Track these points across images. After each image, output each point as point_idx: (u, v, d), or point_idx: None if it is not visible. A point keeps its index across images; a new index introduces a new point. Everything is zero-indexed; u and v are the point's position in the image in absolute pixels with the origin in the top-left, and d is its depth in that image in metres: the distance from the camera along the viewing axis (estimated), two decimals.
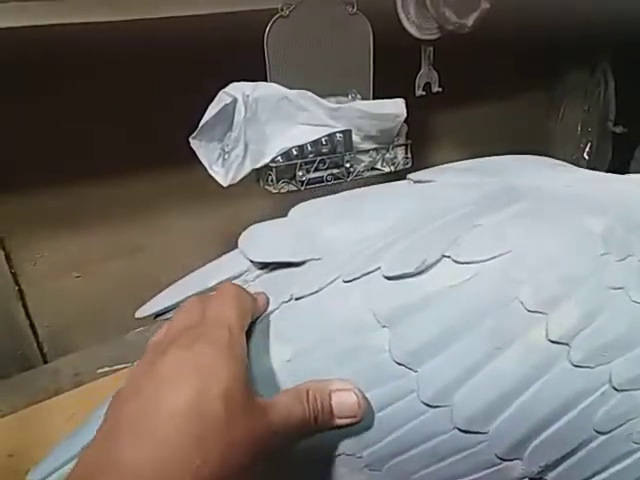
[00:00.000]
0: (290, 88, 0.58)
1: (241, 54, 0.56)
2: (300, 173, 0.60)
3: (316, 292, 0.34)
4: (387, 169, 0.65)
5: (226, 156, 0.58)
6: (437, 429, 0.31)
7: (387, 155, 0.65)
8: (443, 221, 0.35)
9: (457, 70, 0.71)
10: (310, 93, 0.59)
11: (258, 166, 0.58)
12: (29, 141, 0.62)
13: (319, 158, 0.60)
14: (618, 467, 0.30)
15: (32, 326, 0.69)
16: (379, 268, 0.33)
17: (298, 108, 0.59)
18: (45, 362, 0.70)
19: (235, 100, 0.56)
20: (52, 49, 0.53)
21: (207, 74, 0.58)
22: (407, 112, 0.63)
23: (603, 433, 0.29)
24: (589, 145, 1.11)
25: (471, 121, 0.97)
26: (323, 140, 0.60)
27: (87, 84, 0.62)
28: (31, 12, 0.46)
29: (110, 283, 0.72)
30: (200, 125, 0.56)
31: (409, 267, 0.32)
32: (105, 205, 0.68)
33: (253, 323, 0.34)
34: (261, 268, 0.39)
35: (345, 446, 0.32)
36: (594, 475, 0.30)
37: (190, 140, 0.57)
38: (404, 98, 0.63)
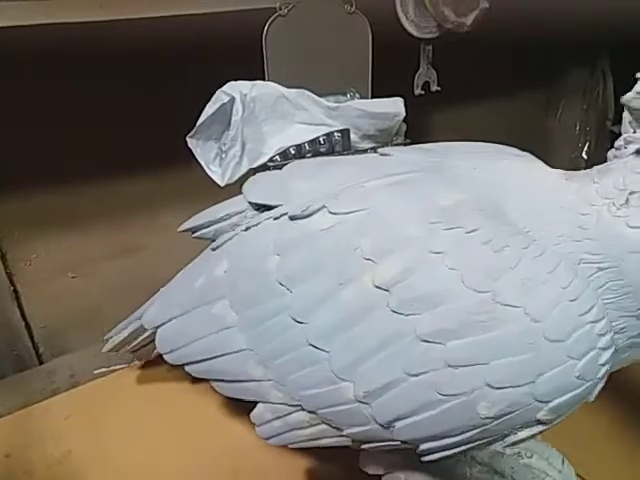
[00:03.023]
0: (288, 87, 0.58)
1: (239, 53, 0.55)
2: None
3: (256, 225, 0.44)
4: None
5: (223, 155, 0.57)
6: (299, 341, 0.38)
7: None
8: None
9: (456, 69, 0.70)
10: (308, 92, 0.59)
11: (255, 165, 0.58)
12: (25, 141, 0.61)
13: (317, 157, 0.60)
14: (426, 414, 0.35)
15: (27, 327, 0.68)
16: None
17: (296, 107, 0.58)
18: (41, 363, 0.70)
19: (233, 99, 0.56)
20: (51, 49, 0.53)
21: (205, 73, 0.58)
22: (406, 111, 0.62)
23: (411, 375, 0.34)
24: (588, 144, 1.11)
25: (470, 120, 0.97)
26: (321, 139, 0.60)
27: (85, 84, 0.61)
28: (28, 11, 0.46)
29: (106, 283, 0.72)
30: (197, 124, 0.56)
31: (300, 211, 0.40)
32: (101, 205, 0.68)
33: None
34: (256, 209, 0.47)
35: (248, 344, 0.42)
36: (408, 416, 0.35)
37: (187, 139, 0.57)
38: (403, 97, 0.63)
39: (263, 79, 0.58)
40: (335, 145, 0.61)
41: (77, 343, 0.70)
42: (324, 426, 0.40)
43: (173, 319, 0.47)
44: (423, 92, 0.67)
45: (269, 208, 0.45)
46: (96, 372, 0.63)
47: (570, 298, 0.33)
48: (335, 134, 0.60)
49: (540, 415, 0.34)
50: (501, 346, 0.33)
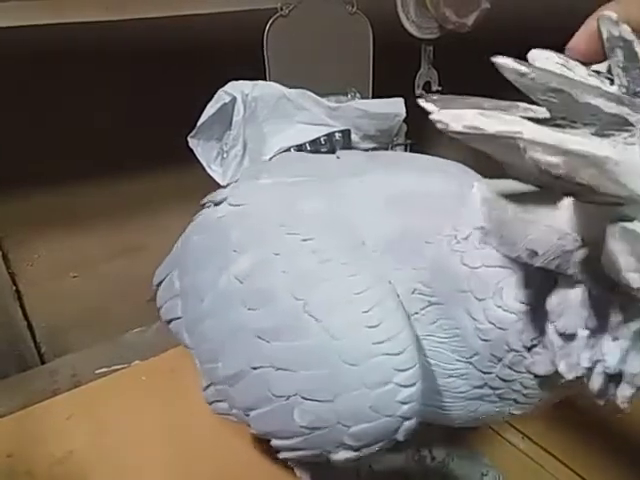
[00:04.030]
0: (289, 87, 0.58)
1: (240, 53, 0.56)
2: None
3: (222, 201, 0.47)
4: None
5: (224, 155, 0.57)
6: (195, 318, 0.43)
7: None
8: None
9: (457, 70, 0.70)
10: (309, 92, 0.59)
11: None
12: (26, 141, 0.61)
13: None
14: (264, 410, 0.36)
15: (30, 326, 0.69)
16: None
17: (297, 107, 0.58)
18: (43, 362, 0.70)
19: (234, 99, 0.56)
20: (51, 49, 0.53)
21: (206, 73, 0.58)
22: (406, 111, 0.62)
23: (252, 368, 0.36)
24: None
25: None
26: (322, 139, 0.60)
27: (86, 84, 0.61)
28: (30, 12, 0.46)
29: (108, 283, 0.72)
30: (198, 124, 0.56)
31: (215, 198, 0.46)
32: (102, 205, 0.68)
33: None
34: None
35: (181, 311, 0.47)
36: (254, 408, 0.37)
37: (188, 139, 0.57)
38: (403, 97, 0.63)
39: (264, 79, 0.58)
40: (336, 145, 0.61)
41: (79, 343, 0.70)
42: (224, 404, 0.42)
43: (161, 281, 0.51)
44: (424, 92, 0.67)
45: None
46: (98, 372, 0.63)
47: (369, 324, 0.31)
48: (336, 134, 0.60)
49: (345, 439, 0.33)
50: (306, 357, 0.33)
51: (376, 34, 0.62)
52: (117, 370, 0.63)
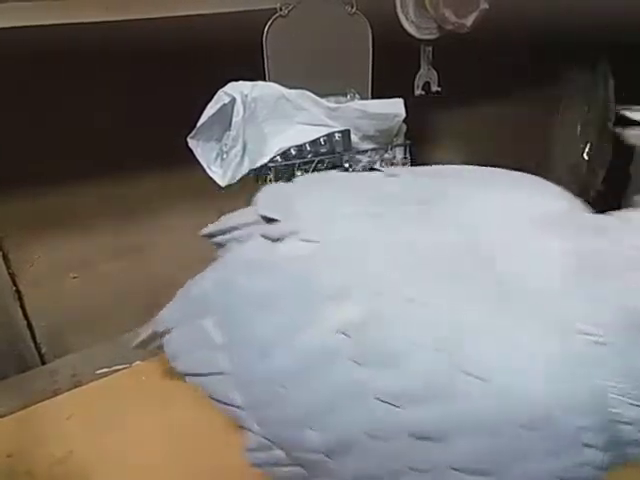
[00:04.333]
0: (289, 88, 0.58)
1: (240, 54, 0.56)
2: (299, 173, 0.59)
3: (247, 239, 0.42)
4: (386, 169, 0.65)
5: (224, 156, 0.57)
6: (264, 376, 0.36)
7: (386, 155, 0.65)
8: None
9: (456, 70, 0.70)
10: (309, 93, 0.59)
11: (256, 166, 0.58)
12: (27, 141, 0.61)
13: (318, 158, 0.60)
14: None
15: (30, 327, 0.69)
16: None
17: (297, 108, 0.58)
18: (43, 363, 0.70)
19: (234, 99, 0.56)
20: (51, 49, 0.53)
21: (206, 73, 0.58)
22: (406, 112, 0.62)
23: (371, 437, 0.31)
24: (589, 145, 1.11)
25: (470, 121, 0.97)
26: (322, 140, 0.60)
27: (86, 84, 0.61)
28: (29, 12, 0.46)
29: (108, 283, 0.72)
30: (198, 125, 0.56)
31: (272, 233, 0.38)
32: (102, 206, 0.68)
33: None
34: (266, 221, 0.43)
35: (230, 366, 0.39)
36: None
37: (188, 140, 0.57)
38: (403, 98, 0.63)
39: (264, 80, 0.58)
40: (335, 146, 0.61)
41: (79, 343, 0.70)
42: (299, 469, 0.36)
43: (173, 328, 0.45)
44: (423, 93, 0.67)
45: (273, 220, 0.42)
46: (98, 372, 0.63)
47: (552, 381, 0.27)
48: (336, 135, 0.60)
49: None
50: (463, 421, 0.28)
51: (375, 35, 0.62)
52: (118, 370, 0.63)
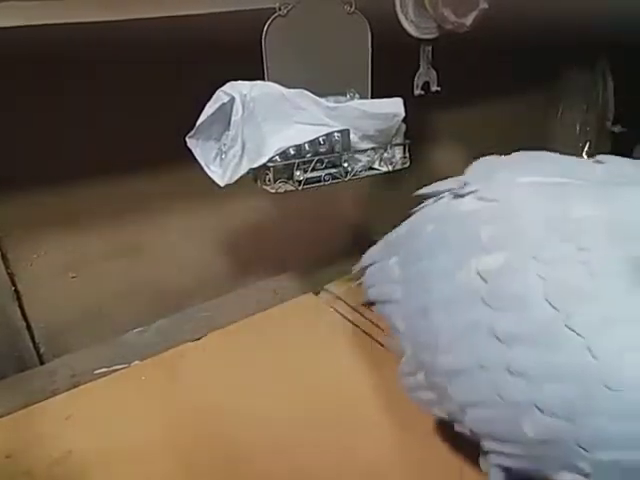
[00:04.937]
0: (288, 87, 0.58)
1: (239, 53, 0.55)
2: (298, 173, 0.59)
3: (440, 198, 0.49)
4: (385, 169, 0.65)
5: (223, 155, 0.57)
6: (420, 305, 0.44)
7: (385, 155, 0.65)
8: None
9: (456, 70, 0.70)
10: (308, 92, 0.59)
11: (255, 165, 0.58)
12: (26, 141, 0.61)
13: (317, 158, 0.60)
14: (485, 411, 0.36)
15: (28, 327, 0.68)
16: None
17: (296, 107, 0.58)
18: (42, 363, 0.70)
19: (233, 99, 0.56)
20: (52, 49, 0.53)
21: (205, 73, 0.58)
22: (405, 111, 0.62)
23: (480, 367, 0.37)
24: (588, 144, 1.11)
25: (470, 121, 0.97)
26: (321, 139, 0.60)
27: (86, 84, 0.61)
28: (30, 12, 0.46)
29: (107, 283, 0.72)
30: (197, 124, 0.56)
31: (458, 191, 0.45)
32: (101, 205, 0.68)
33: None
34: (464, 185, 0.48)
35: (402, 297, 0.49)
36: (473, 405, 0.37)
37: (187, 139, 0.57)
38: (402, 97, 0.63)
39: (263, 79, 0.58)
40: (335, 145, 0.61)
41: (78, 343, 0.70)
42: (433, 394, 0.43)
43: (372, 264, 0.56)
44: (423, 92, 0.67)
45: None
46: (97, 372, 0.63)
47: None
48: (335, 134, 0.60)
49: (580, 463, 0.31)
50: (555, 370, 0.32)
51: (375, 34, 0.62)
52: (117, 370, 0.63)
